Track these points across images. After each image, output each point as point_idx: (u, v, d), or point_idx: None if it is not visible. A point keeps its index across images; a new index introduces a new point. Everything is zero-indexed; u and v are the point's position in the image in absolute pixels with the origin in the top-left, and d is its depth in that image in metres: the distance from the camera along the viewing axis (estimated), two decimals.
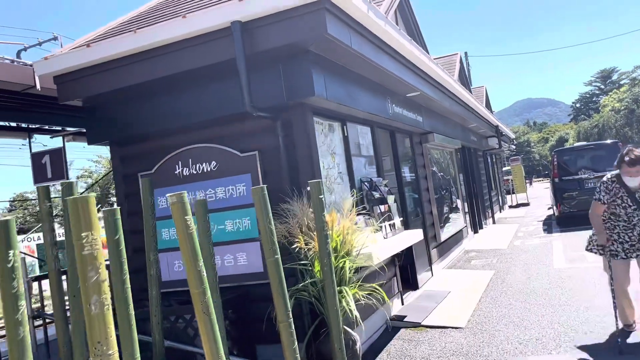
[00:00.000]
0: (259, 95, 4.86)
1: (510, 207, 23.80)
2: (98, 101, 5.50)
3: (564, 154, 14.34)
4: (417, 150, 9.17)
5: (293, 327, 3.40)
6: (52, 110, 7.40)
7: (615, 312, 4.84)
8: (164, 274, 5.51)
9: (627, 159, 4.63)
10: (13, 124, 8.69)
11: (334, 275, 3.95)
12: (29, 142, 9.76)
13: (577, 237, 11.30)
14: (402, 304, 6.99)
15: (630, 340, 4.88)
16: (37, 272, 17.99)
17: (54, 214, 4.32)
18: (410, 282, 7.88)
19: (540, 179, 58.85)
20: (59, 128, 9.14)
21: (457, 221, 11.71)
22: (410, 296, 7.42)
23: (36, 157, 9.26)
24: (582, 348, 4.83)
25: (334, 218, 4.35)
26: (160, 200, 5.49)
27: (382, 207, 6.25)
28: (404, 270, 7.79)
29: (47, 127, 9.22)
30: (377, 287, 4.73)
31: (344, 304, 4.16)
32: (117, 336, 2.21)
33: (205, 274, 2.77)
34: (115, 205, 4.03)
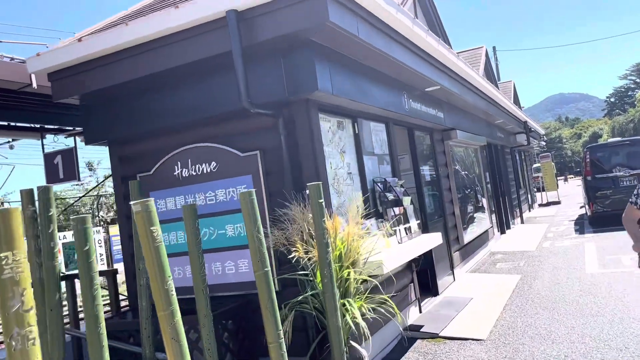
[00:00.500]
0: (258, 90, 4.52)
1: (540, 205, 22.98)
2: (94, 99, 5.24)
3: (598, 151, 13.62)
4: (438, 147, 8.70)
5: (284, 349, 3.04)
6: (63, 110, 7.24)
7: None
8: None
9: None
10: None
11: (335, 287, 3.59)
12: (42, 142, 9.67)
13: (612, 239, 10.66)
14: (420, 311, 6.57)
15: None
16: (63, 271, 18.11)
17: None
18: (429, 288, 7.45)
19: (571, 175, 57.19)
20: (70, 128, 9.01)
21: (482, 222, 11.18)
22: (429, 303, 6.99)
23: (49, 158, 9.14)
24: None
25: (337, 224, 3.98)
26: (160, 203, 5.21)
27: (397, 210, 5.85)
28: (423, 274, 7.37)
29: (58, 127, 9.10)
30: (387, 298, 4.34)
31: (348, 318, 3.78)
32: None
33: (174, 292, 2.44)
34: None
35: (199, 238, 3.58)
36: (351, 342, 4.07)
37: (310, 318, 4.34)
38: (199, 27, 4.33)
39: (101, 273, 5.80)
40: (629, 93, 74.63)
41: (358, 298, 4.09)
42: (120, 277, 7.83)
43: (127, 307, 6.49)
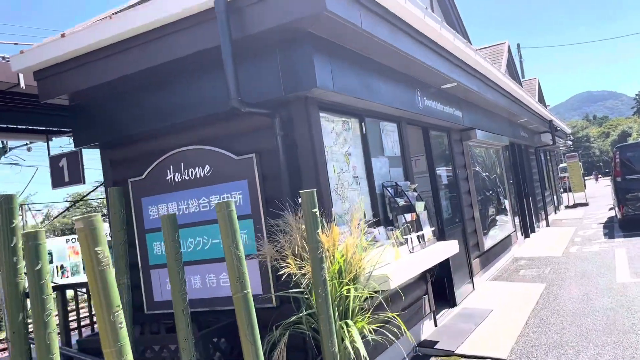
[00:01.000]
0: (252, 87, 4.15)
1: (567, 207, 22.17)
2: (83, 99, 4.94)
3: (628, 150, 12.92)
4: (456, 148, 8.22)
5: None
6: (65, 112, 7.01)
7: None
8: (155, 294, 4.88)
9: None
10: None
11: (330, 308, 3.18)
12: (47, 145, 9.48)
13: None
14: (435, 325, 6.12)
15: None
16: (82, 273, 18.05)
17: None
18: (447, 298, 6.99)
19: (599, 175, 55.61)
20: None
21: (505, 226, 10.63)
22: (446, 315, 6.53)
23: (54, 160, 8.93)
24: None
25: (335, 235, 3.57)
26: (152, 209, 4.87)
27: (409, 216, 5.41)
28: (440, 283, 6.91)
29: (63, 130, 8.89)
30: (394, 316, 3.91)
31: (347, 342, 3.37)
32: None
33: (123, 324, 2.06)
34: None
35: (179, 251, 3.21)
36: None
37: (310, 337, 3.95)
38: (187, 19, 3.97)
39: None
40: None
41: (360, 318, 3.67)
42: None
43: None
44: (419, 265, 5.01)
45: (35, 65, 4.59)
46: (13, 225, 3.12)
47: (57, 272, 17.88)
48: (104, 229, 2.26)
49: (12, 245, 3.08)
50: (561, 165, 31.80)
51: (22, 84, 5.08)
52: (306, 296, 3.55)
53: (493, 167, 10.57)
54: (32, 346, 2.61)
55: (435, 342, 5.51)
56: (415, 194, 5.88)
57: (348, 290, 3.50)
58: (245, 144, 4.47)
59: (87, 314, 5.77)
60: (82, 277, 17.44)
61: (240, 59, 4.17)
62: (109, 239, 5.54)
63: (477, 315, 6.49)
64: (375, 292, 4.04)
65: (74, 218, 2.12)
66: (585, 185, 24.40)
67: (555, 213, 19.65)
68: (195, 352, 3.19)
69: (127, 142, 5.02)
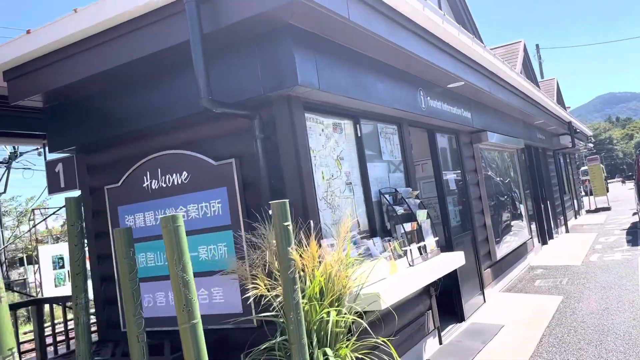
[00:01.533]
0: (230, 86, 3.79)
1: (588, 212, 21.43)
2: (57, 101, 4.63)
3: None
4: (465, 152, 7.75)
5: None
6: None
7: None
8: None
9: None
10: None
11: (304, 335, 2.78)
12: (44, 150, 9.26)
13: None
14: (440, 342, 5.66)
15: None
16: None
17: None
18: (454, 312, 6.53)
19: (624, 178, 54.12)
20: None
21: (520, 233, 10.10)
22: (452, 331, 6.07)
23: (50, 166, 8.69)
24: None
25: (313, 250, 3.17)
26: (128, 219, 4.52)
27: (408, 226, 4.98)
28: (447, 295, 6.46)
29: None
30: (385, 341, 3.49)
31: None
32: None
33: None
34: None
35: (135, 269, 2.83)
36: None
37: None
38: (156, 12, 3.61)
39: (68, 298, 5.21)
40: None
41: (345, 344, 3.26)
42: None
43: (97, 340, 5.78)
44: (420, 279, 4.58)
45: (3, 65, 4.29)
46: None
47: (69, 277, 17.77)
48: None
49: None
50: (582, 168, 31.10)
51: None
52: (281, 319, 3.16)
53: (507, 171, 10.06)
54: None
55: None
56: (418, 201, 5.45)
57: (328, 314, 3.09)
58: (225, 148, 4.10)
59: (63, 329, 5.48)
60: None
61: (216, 55, 3.82)
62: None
63: (486, 331, 6.03)
64: (365, 312, 3.63)
65: None
66: (607, 189, 23.58)
67: (576, 218, 18.95)
68: None
69: (103, 147, 4.69)
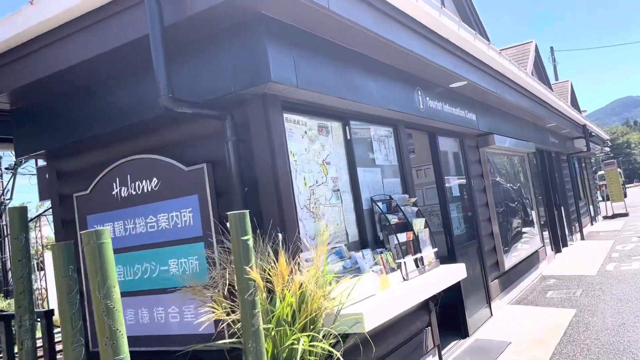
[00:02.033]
0: (198, 84, 3.45)
1: (605, 218, 20.75)
2: (23, 103, 4.33)
3: None
4: (471, 156, 7.33)
5: None
6: None
7: None
8: None
9: None
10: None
11: None
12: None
13: None
14: None
15: None
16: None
17: None
18: (458, 327, 6.11)
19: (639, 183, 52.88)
20: None
21: (531, 241, 9.62)
22: (455, 349, 5.65)
23: (41, 171, 8.43)
24: None
25: (283, 268, 2.80)
26: None
27: (403, 236, 4.59)
28: (450, 308, 6.05)
29: None
30: None
31: None
32: None
33: None
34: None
35: (74, 290, 2.49)
36: None
37: None
38: (117, 1, 3.29)
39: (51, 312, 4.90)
40: None
41: None
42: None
43: None
44: (415, 295, 4.18)
45: None
46: None
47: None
48: None
49: None
50: (599, 173, 30.52)
51: None
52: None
53: (517, 176, 9.59)
54: None
55: None
56: (415, 209, 5.06)
57: (298, 340, 2.71)
58: (197, 152, 3.76)
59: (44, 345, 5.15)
60: None
61: (184, 50, 3.49)
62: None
63: (491, 349, 5.60)
64: (347, 335, 3.25)
65: None
66: (625, 194, 22.87)
67: (592, 224, 18.33)
68: None
69: (72, 152, 4.38)
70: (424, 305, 5.07)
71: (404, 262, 4.40)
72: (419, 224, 4.88)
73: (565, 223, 13.29)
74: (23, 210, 2.97)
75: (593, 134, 16.93)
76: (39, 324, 4.79)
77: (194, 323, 3.62)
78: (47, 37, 3.59)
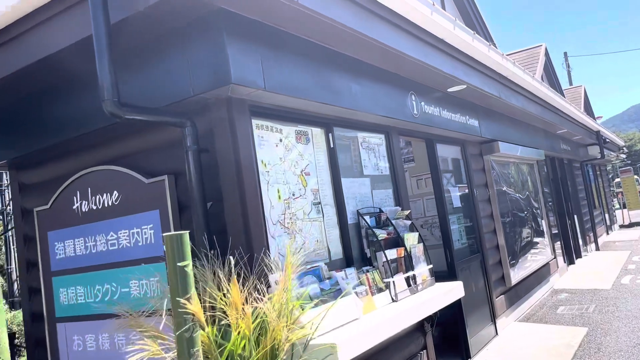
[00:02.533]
0: (155, 88, 3.13)
1: (622, 227, 20.10)
2: None
3: None
4: (474, 164, 6.93)
5: None
6: None
7: None
8: (61, 354, 3.86)
9: None
10: None
11: None
12: None
13: None
14: None
15: None
16: None
17: None
18: (459, 348, 5.69)
19: None
20: None
21: (541, 253, 9.15)
22: None
23: None
24: None
25: (235, 296, 2.44)
26: (58, 247, 3.88)
27: (393, 252, 4.21)
28: (452, 326, 5.64)
29: None
30: None
31: None
32: None
33: None
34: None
35: None
36: None
37: None
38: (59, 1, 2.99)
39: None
40: None
41: None
42: None
43: None
44: (405, 317, 3.79)
45: None
46: None
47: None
48: None
49: None
50: (616, 180, 30.03)
51: None
52: None
53: (525, 185, 9.15)
54: None
55: None
56: (408, 222, 4.67)
57: None
58: (159, 162, 3.43)
59: None
60: None
61: (142, 53, 3.19)
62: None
63: None
64: None
65: None
66: None
67: (607, 234, 17.71)
68: None
69: (32, 163, 4.09)
70: (419, 327, 4.68)
71: (393, 282, 4.02)
72: (411, 238, 4.49)
73: (578, 233, 12.76)
74: None
75: (607, 140, 16.37)
76: None
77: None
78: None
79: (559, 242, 10.80)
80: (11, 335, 4.53)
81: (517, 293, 7.47)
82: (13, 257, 19.67)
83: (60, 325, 3.86)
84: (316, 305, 3.19)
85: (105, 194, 3.60)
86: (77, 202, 3.76)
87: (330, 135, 4.11)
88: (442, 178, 5.93)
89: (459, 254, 6.00)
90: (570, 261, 11.57)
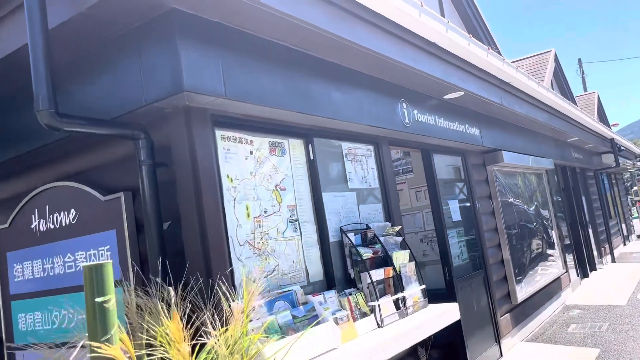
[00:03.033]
0: (109, 99, 2.87)
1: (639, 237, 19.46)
2: None
3: None
4: (475, 175, 6.58)
5: None
6: None
7: None
8: None
9: None
10: None
11: None
12: None
13: None
14: None
15: None
16: None
17: None
18: None
19: None
20: None
21: (551, 266, 8.73)
22: None
23: None
24: None
25: (174, 332, 2.14)
26: (17, 268, 3.63)
27: (380, 273, 3.89)
28: (451, 347, 5.28)
29: None
30: None
31: None
32: None
33: None
34: None
35: None
36: None
37: None
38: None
39: None
40: None
41: None
42: None
43: None
44: (392, 345, 3.47)
45: None
46: None
47: None
48: None
49: None
50: (634, 188, 29.47)
51: None
52: None
53: (534, 196, 8.75)
54: None
55: None
56: (399, 239, 4.35)
57: None
58: (117, 178, 3.16)
59: None
60: None
61: (95, 61, 2.93)
62: None
63: None
64: None
65: None
66: None
67: (624, 245, 17.12)
68: None
69: None
70: (412, 352, 4.34)
71: (378, 305, 3.69)
72: (401, 257, 4.17)
73: (593, 244, 12.28)
74: None
75: (623, 148, 15.84)
76: None
77: None
78: None
79: (571, 255, 10.35)
80: None
81: (524, 311, 7.06)
82: None
83: (19, 353, 3.59)
84: (284, 335, 2.88)
85: (62, 212, 3.34)
86: (35, 221, 3.50)
87: (310, 146, 3.81)
88: (439, 190, 5.60)
89: (459, 271, 5.65)
90: (584, 274, 11.09)
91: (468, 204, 6.27)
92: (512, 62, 7.08)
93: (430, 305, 4.29)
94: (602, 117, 19.55)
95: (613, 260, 13.77)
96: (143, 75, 2.73)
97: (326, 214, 3.80)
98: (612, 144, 14.04)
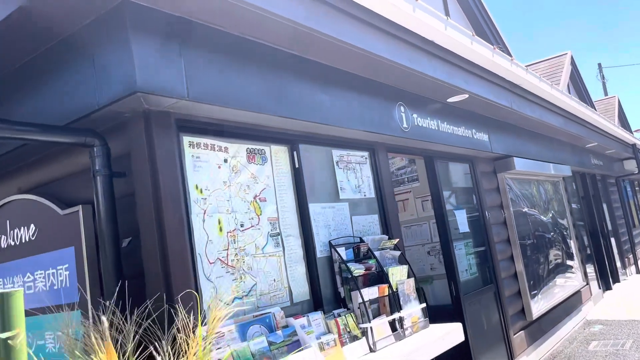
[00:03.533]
0: (64, 103, 2.61)
1: None
2: None
3: None
4: (485, 183, 6.21)
5: None
6: None
7: None
8: None
9: None
10: None
11: None
12: None
13: None
14: None
15: None
16: None
17: None
18: None
19: None
20: None
21: (570, 279, 8.26)
22: None
23: None
24: None
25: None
26: None
27: (374, 291, 3.55)
28: None
29: None
30: None
31: None
32: None
33: None
34: None
35: None
36: None
37: None
38: None
39: None
40: None
41: None
42: None
43: None
44: None
45: None
46: None
47: None
48: None
49: None
50: None
51: None
52: None
53: (550, 204, 8.31)
54: None
55: None
56: (396, 253, 4.01)
57: None
58: (76, 190, 2.89)
59: None
60: None
61: (44, 59, 2.66)
62: None
63: None
64: None
65: None
66: None
67: None
68: None
69: None
70: None
71: (370, 327, 3.35)
72: (398, 273, 3.82)
73: (615, 255, 11.72)
74: None
75: None
76: None
77: None
78: None
79: (592, 266, 9.85)
80: None
81: (541, 327, 6.63)
82: None
83: None
84: None
85: (22, 228, 3.08)
86: None
87: (295, 153, 3.51)
88: (444, 199, 5.24)
89: (467, 286, 5.27)
90: (606, 287, 10.56)
91: (477, 214, 5.90)
92: (526, 66, 6.72)
93: (431, 326, 3.93)
94: (624, 122, 18.92)
95: (638, 272, 13.16)
96: (97, 76, 2.47)
97: (313, 227, 3.49)
98: (634, 149, 13.48)
